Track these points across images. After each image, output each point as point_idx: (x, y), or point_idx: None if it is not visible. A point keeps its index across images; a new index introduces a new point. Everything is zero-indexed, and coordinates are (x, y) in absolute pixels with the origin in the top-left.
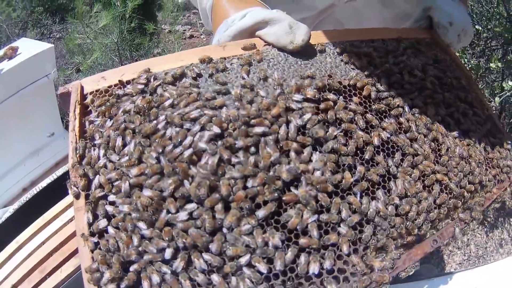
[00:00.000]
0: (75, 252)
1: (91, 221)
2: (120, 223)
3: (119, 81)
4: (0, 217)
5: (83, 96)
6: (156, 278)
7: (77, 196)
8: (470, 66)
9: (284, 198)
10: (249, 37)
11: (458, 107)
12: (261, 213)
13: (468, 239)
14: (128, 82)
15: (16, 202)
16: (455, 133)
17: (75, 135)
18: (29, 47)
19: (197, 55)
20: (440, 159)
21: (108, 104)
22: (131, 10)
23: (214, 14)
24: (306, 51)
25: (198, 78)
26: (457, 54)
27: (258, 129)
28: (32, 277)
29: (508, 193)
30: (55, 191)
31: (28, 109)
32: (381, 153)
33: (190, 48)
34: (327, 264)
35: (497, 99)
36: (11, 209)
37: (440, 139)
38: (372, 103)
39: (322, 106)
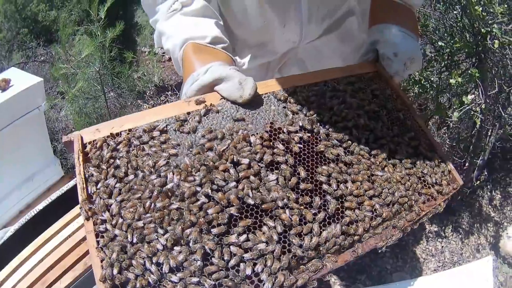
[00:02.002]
0: (72, 266)
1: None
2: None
3: (110, 133)
4: (2, 237)
5: (84, 145)
6: None
7: (87, 219)
8: (429, 83)
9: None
10: (210, 90)
11: (389, 138)
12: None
13: (442, 246)
14: (117, 134)
15: (16, 223)
16: (383, 158)
17: (82, 178)
18: (20, 79)
19: (170, 110)
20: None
21: (98, 156)
22: (110, 40)
23: (184, 66)
24: (254, 102)
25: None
26: (416, 73)
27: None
28: None
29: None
30: (50, 213)
31: (21, 138)
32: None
33: (169, 71)
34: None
35: (455, 114)
36: (12, 229)
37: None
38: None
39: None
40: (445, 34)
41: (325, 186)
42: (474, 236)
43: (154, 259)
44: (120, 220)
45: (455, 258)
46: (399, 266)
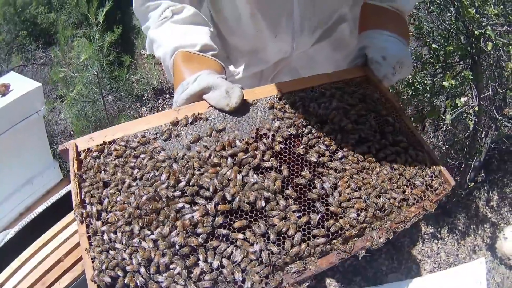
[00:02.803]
0: (71, 267)
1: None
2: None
3: (103, 141)
4: (2, 239)
5: (78, 153)
6: None
7: (81, 222)
8: (423, 86)
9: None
10: (199, 99)
11: (376, 141)
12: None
13: (438, 248)
14: (110, 142)
15: (16, 225)
16: (371, 161)
17: (76, 184)
18: (19, 84)
19: (161, 118)
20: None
21: (92, 164)
22: (108, 44)
23: (174, 74)
24: (241, 109)
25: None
26: (410, 75)
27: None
28: None
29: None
30: (50, 216)
31: (21, 142)
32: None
33: (166, 74)
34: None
35: (448, 116)
36: (12, 232)
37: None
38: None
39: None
40: (439, 37)
41: (312, 193)
42: (471, 237)
43: (142, 259)
44: (109, 226)
45: (451, 259)
46: (395, 267)
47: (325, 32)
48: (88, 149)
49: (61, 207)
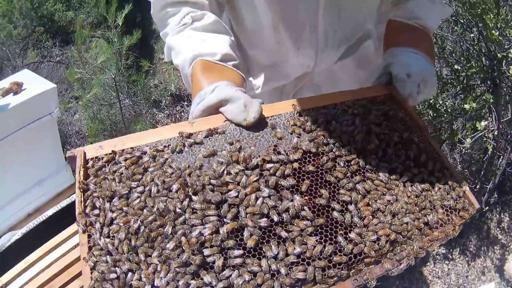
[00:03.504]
0: (79, 274)
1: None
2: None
3: (112, 151)
4: (9, 239)
5: (86, 161)
6: None
7: (83, 231)
8: (444, 107)
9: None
10: (216, 111)
11: (400, 162)
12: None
13: (448, 269)
14: (119, 152)
15: (24, 227)
16: (394, 182)
17: (80, 192)
18: (32, 83)
19: (172, 130)
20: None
21: (99, 173)
22: (127, 47)
23: (192, 83)
24: (259, 124)
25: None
26: (432, 98)
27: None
28: None
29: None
30: (59, 220)
31: (33, 143)
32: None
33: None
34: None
35: (468, 140)
36: (19, 233)
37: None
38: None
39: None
40: (462, 58)
41: (335, 214)
42: (481, 258)
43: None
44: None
45: (461, 281)
46: (405, 287)
47: (350, 48)
48: (96, 157)
49: (72, 212)
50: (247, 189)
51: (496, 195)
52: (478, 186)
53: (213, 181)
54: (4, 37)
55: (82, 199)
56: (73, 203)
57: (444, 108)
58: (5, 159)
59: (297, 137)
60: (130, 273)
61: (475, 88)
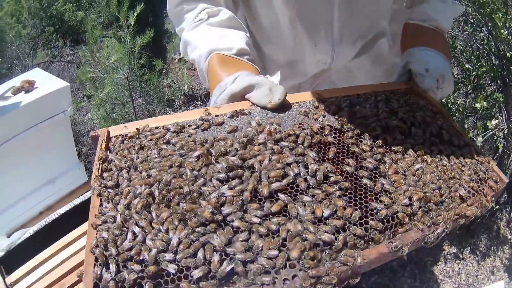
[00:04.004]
0: None
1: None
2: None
3: (136, 128)
4: (20, 237)
5: (109, 138)
6: None
7: (98, 194)
8: (456, 106)
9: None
10: (240, 99)
11: (425, 138)
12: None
13: (459, 268)
14: (143, 129)
15: (36, 224)
16: (422, 155)
17: (99, 159)
18: (45, 81)
19: (196, 114)
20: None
21: (122, 145)
22: (140, 47)
23: (209, 77)
24: (284, 108)
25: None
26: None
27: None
28: None
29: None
30: (71, 218)
31: (45, 141)
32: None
33: (199, 80)
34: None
35: (479, 138)
36: (30, 230)
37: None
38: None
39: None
40: (472, 57)
41: (365, 180)
42: (490, 258)
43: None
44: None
45: (470, 280)
46: (416, 286)
47: (365, 46)
48: (120, 135)
49: (85, 211)
50: (273, 156)
51: (506, 195)
52: None
53: (236, 145)
54: (13, 36)
55: (100, 166)
56: (86, 201)
57: (456, 107)
58: (17, 156)
59: (323, 116)
60: (141, 233)
61: (485, 87)
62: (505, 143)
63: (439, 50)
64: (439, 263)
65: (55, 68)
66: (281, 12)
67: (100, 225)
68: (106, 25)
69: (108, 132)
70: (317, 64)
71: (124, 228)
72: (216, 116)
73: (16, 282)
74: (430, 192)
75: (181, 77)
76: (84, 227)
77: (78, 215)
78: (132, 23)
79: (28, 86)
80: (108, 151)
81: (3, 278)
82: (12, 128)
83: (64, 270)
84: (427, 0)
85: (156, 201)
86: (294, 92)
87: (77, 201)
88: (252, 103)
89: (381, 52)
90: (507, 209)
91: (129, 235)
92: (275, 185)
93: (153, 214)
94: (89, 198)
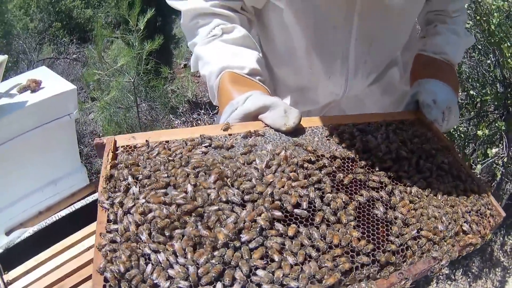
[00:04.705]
0: (91, 276)
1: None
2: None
3: (146, 141)
4: (18, 236)
5: (116, 148)
6: None
7: (104, 209)
8: (458, 133)
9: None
10: (253, 119)
11: (433, 171)
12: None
13: None
14: (153, 143)
15: (36, 225)
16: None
17: (105, 172)
18: (51, 81)
19: (208, 130)
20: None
21: (131, 158)
22: (147, 52)
23: (220, 94)
24: (297, 132)
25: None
26: None
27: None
28: None
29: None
30: (71, 222)
31: (49, 142)
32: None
33: (203, 87)
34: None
35: (478, 166)
36: (30, 230)
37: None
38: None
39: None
40: (478, 84)
41: (376, 211)
42: (482, 280)
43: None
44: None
45: None
46: None
47: (378, 76)
48: (127, 145)
49: (86, 215)
50: (290, 181)
51: None
52: None
53: (254, 173)
54: (20, 29)
55: (108, 179)
56: (88, 205)
57: (458, 133)
58: (20, 156)
59: (336, 144)
60: (154, 256)
61: (488, 114)
62: (503, 170)
63: (448, 83)
64: (432, 283)
65: (60, 65)
66: (298, 39)
67: (106, 246)
68: (113, 26)
69: (115, 142)
70: (329, 95)
71: (136, 256)
72: (230, 135)
73: (13, 281)
74: (437, 226)
75: (187, 84)
76: (85, 230)
77: (80, 218)
78: (142, 28)
79: (35, 86)
80: (115, 162)
81: (1, 275)
82: (16, 127)
83: (64, 272)
84: (439, 32)
85: (171, 224)
86: (304, 116)
87: (78, 205)
88: (265, 124)
89: (392, 81)
90: (501, 232)
91: (149, 268)
92: (297, 211)
93: (175, 240)
94: (91, 202)
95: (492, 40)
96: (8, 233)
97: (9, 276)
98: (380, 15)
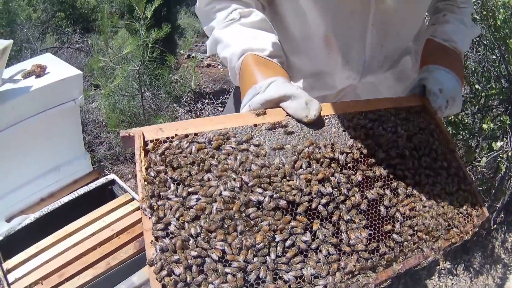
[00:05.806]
0: (94, 263)
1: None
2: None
3: (175, 134)
4: (19, 223)
5: (145, 143)
6: None
7: (150, 216)
8: (463, 125)
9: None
10: (274, 106)
11: (433, 170)
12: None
13: (452, 284)
14: (185, 136)
15: (37, 212)
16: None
17: (142, 176)
18: (56, 67)
19: (233, 120)
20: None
21: (169, 152)
22: (153, 41)
23: (242, 75)
24: (317, 122)
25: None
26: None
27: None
28: (50, 279)
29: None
30: (74, 208)
31: (53, 128)
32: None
33: (207, 77)
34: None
35: (484, 159)
36: (31, 217)
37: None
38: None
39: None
40: (483, 78)
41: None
42: (483, 276)
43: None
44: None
45: None
46: None
47: (392, 64)
48: (157, 139)
49: (89, 201)
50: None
51: (503, 215)
52: (487, 205)
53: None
54: (24, 19)
55: (146, 182)
56: (91, 191)
57: (461, 126)
58: (23, 141)
59: (351, 139)
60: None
61: (493, 109)
62: (508, 164)
63: (455, 72)
64: (433, 277)
65: (63, 54)
66: (316, 27)
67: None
68: (118, 15)
69: (143, 135)
70: (346, 79)
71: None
72: (255, 125)
73: (13, 268)
74: (431, 225)
75: (192, 74)
76: (87, 217)
77: (82, 204)
78: (149, 16)
79: (40, 71)
80: (149, 162)
81: (0, 263)
82: (20, 112)
83: (65, 259)
84: (448, 21)
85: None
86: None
87: (81, 191)
88: (286, 113)
89: (405, 69)
90: (503, 229)
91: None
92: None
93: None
94: (94, 189)
95: (498, 36)
96: (8, 220)
97: (8, 264)
98: (396, 0)
